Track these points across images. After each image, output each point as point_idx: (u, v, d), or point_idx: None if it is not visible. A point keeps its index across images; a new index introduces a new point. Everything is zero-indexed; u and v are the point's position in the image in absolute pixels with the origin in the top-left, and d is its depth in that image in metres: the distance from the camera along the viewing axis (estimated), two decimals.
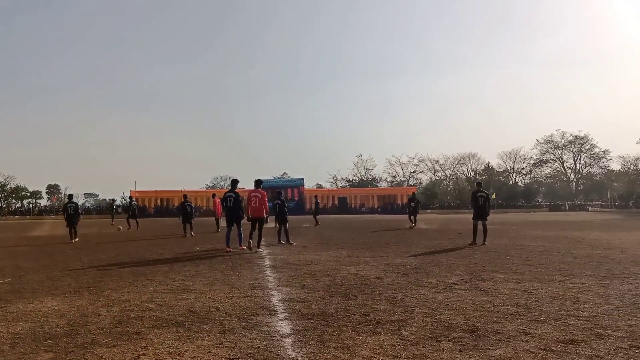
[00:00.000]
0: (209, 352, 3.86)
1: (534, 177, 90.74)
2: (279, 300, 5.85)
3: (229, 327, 4.60)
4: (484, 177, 79.92)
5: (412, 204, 23.32)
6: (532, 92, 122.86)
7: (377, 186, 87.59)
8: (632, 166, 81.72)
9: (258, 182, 12.89)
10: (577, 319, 4.74)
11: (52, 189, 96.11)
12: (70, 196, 18.80)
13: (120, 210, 26.15)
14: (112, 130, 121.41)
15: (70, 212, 16.82)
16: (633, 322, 4.60)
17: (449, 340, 4.10)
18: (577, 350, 3.75)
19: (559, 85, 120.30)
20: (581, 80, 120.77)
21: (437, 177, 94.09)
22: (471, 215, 14.03)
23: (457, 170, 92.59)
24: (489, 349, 3.84)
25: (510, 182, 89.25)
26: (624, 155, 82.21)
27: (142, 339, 4.25)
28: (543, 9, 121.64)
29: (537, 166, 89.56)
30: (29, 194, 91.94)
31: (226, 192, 12.93)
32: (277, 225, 14.40)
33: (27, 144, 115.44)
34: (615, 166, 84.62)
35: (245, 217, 12.45)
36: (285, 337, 4.21)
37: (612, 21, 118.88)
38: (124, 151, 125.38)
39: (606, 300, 5.61)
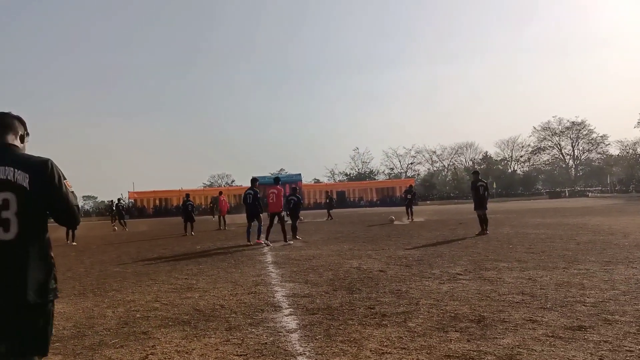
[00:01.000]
0: (217, 349, 3.85)
1: (533, 164, 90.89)
2: (283, 295, 5.84)
3: (235, 324, 4.59)
4: (482, 166, 79.96)
5: (409, 196, 23.16)
6: (525, 79, 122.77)
7: (375, 179, 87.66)
8: (630, 150, 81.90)
9: (276, 179, 14.06)
10: (584, 305, 4.73)
11: None
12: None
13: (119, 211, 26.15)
14: (107, 133, 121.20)
15: None
16: None
17: (456, 331, 4.09)
18: (586, 337, 3.74)
19: (554, 71, 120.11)
20: (576, 65, 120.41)
21: (435, 168, 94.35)
22: (472, 206, 14.04)
23: (455, 161, 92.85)
24: (496, 337, 3.83)
25: (509, 170, 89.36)
26: (622, 139, 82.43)
27: (150, 338, 4.24)
28: None
29: (535, 154, 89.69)
30: None
31: (246, 190, 13.64)
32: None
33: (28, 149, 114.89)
34: (614, 151, 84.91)
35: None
36: (291, 333, 4.20)
37: (605, 4, 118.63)
38: (120, 154, 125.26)
39: (611, 286, 5.61)
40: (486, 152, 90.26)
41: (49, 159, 2.24)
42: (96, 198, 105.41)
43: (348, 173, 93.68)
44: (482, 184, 13.62)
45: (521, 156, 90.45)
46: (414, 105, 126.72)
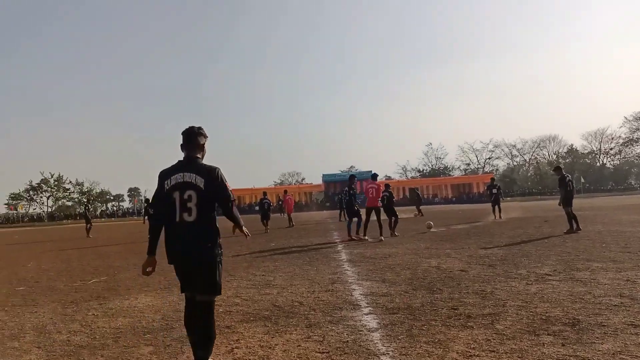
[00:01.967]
0: (299, 345, 3.87)
1: (624, 157, 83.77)
2: (361, 294, 5.78)
3: (315, 321, 4.60)
4: (567, 160, 75.04)
5: (494, 191, 20.70)
6: (615, 64, 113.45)
7: (449, 175, 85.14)
8: None
9: (374, 176, 14.32)
10: None
11: (133, 192, 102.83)
12: (147, 200, 20.18)
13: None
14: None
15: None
16: None
17: (548, 334, 3.83)
18: None
19: None
20: None
21: (515, 163, 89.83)
22: (557, 202, 13.17)
23: (537, 155, 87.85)
24: (594, 342, 3.54)
25: (597, 164, 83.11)
26: None
27: (233, 332, 4.36)
28: None
29: (627, 145, 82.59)
30: (112, 198, 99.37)
31: (344, 189, 14.62)
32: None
33: (108, 152, 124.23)
34: None
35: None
36: (372, 332, 4.13)
37: None
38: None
39: None
40: (571, 144, 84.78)
41: (216, 168, 3.35)
42: None
43: (421, 169, 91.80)
44: (569, 178, 12.75)
45: (611, 149, 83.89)
46: (490, 98, 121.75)
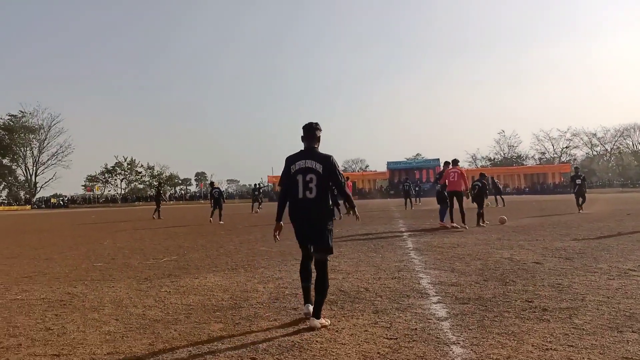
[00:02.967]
0: (366, 330, 3.85)
1: None
2: (429, 283, 5.65)
3: (382, 307, 4.56)
4: None
5: (577, 181, 18.78)
6: None
7: (523, 164, 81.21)
8: None
9: (455, 161, 13.42)
10: None
11: (200, 176, 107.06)
12: (212, 183, 21.17)
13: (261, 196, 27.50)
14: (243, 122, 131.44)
15: (215, 196, 19.15)
16: None
17: (633, 332, 3.58)
18: None
19: None
20: None
21: (595, 152, 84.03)
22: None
23: (620, 144, 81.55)
24: None
25: None
26: None
27: (299, 314, 4.41)
28: None
29: None
30: (180, 181, 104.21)
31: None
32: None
33: (178, 137, 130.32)
34: None
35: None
36: (442, 321, 4.03)
37: None
38: (260, 142, 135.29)
39: None
40: None
41: (331, 155, 4.18)
42: (239, 181, 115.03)
43: (492, 158, 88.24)
44: None
45: None
46: (569, 84, 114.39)
